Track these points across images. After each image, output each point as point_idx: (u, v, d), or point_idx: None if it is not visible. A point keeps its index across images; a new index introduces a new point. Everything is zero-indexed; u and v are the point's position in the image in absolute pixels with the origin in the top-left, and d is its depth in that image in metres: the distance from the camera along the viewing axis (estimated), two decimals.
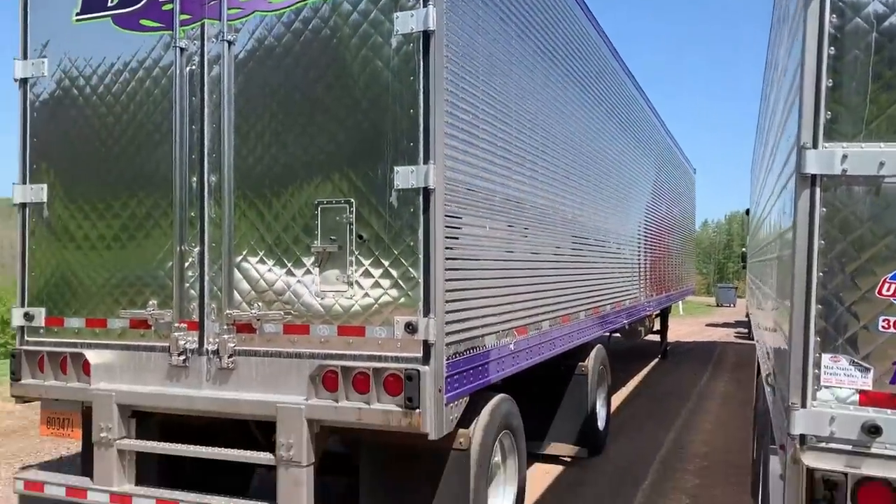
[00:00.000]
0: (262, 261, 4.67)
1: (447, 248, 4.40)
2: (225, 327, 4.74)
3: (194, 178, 4.84)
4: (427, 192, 4.27)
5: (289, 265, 4.60)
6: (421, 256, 4.28)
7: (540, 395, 7.73)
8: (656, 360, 17.37)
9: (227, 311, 4.72)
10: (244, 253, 4.72)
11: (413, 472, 4.83)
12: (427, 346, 4.25)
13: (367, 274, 4.41)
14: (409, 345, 4.29)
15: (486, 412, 5.04)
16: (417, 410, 4.19)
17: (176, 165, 4.85)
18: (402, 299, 4.32)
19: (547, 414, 7.90)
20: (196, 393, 4.78)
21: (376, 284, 4.38)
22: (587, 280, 8.09)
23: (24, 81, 5.33)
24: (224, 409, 4.69)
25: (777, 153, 4.70)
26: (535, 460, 7.93)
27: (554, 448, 7.96)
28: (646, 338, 16.13)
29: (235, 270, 4.74)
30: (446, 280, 4.37)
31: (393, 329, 4.32)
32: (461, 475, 4.75)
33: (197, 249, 4.84)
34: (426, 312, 4.26)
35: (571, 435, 7.97)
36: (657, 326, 17.14)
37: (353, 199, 4.44)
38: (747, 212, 24.93)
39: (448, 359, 4.39)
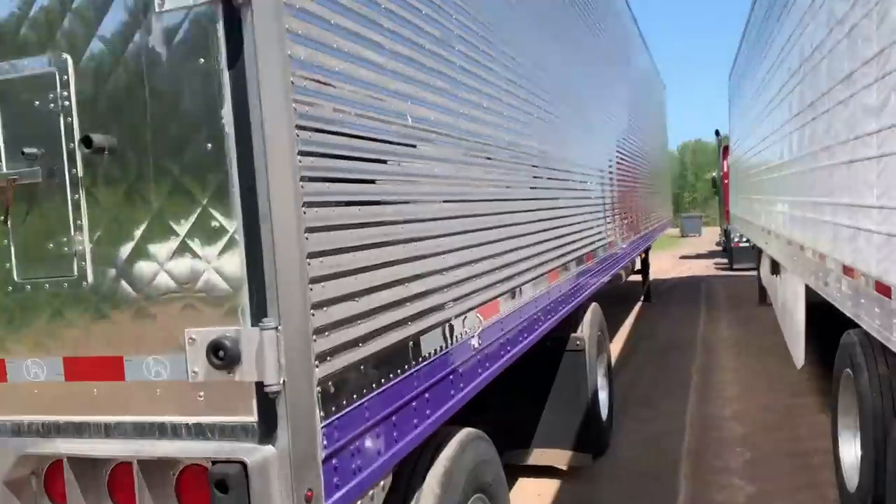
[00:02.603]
0: None
1: (303, 152, 1.84)
2: None
3: None
4: (231, 11, 1.70)
5: None
6: (234, 176, 1.72)
7: (518, 387, 5.32)
8: (639, 303, 15.17)
9: None
10: None
11: None
12: (264, 398, 1.72)
13: (114, 229, 1.84)
14: (223, 394, 1.76)
15: (434, 481, 2.56)
16: None
17: None
18: (201, 284, 1.78)
19: (530, 411, 5.49)
20: None
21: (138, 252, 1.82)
22: (576, 216, 5.63)
23: None
24: None
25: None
26: (519, 474, 5.56)
27: (543, 457, 5.56)
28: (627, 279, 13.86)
29: None
30: (310, 230, 1.83)
31: (184, 359, 1.79)
32: None
33: None
34: (257, 312, 1.72)
35: (567, 435, 5.56)
36: (638, 266, 14.90)
37: (67, 56, 1.85)
38: (717, 133, 22.94)
39: (332, 414, 1.87)
